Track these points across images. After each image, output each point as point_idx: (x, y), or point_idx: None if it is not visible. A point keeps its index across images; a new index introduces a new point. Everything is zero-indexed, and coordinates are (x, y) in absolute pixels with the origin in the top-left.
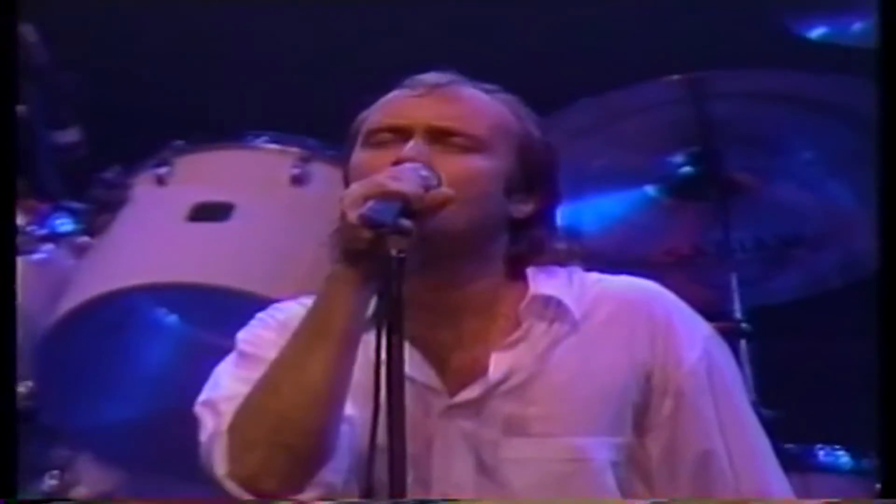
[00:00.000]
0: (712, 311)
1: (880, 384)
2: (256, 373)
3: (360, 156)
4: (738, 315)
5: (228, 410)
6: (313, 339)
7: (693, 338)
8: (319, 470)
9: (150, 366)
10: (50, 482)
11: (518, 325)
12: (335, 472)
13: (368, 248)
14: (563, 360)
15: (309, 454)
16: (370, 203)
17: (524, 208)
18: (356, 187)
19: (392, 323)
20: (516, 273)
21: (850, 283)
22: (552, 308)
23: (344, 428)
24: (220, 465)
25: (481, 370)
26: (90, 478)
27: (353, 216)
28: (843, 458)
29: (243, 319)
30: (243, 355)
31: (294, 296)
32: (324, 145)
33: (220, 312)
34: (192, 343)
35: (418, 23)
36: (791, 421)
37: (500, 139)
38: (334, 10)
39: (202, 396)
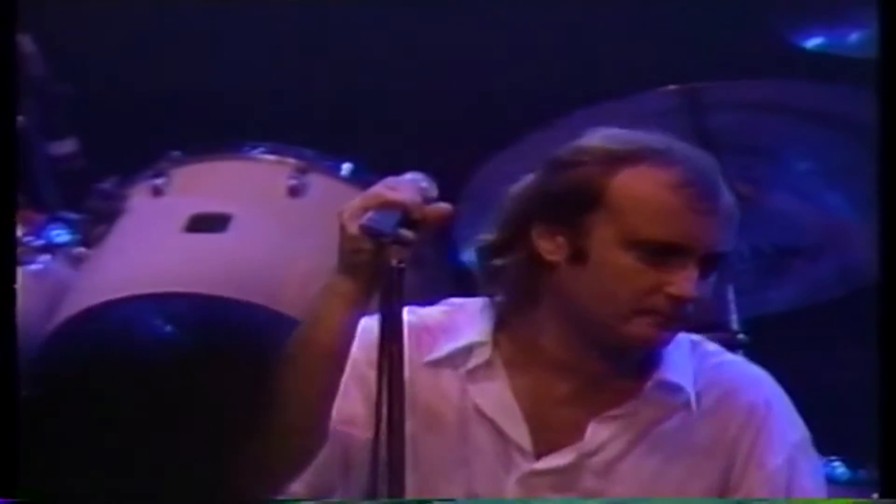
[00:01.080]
0: (709, 322)
1: (880, 392)
2: None
3: (623, 258)
4: (734, 325)
5: None
6: (299, 350)
7: (783, 440)
8: (301, 471)
9: (147, 376)
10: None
11: (630, 398)
12: (301, 482)
13: (369, 260)
14: (659, 441)
15: (294, 463)
16: (370, 214)
17: None
18: (356, 200)
19: (391, 333)
20: None
21: (847, 293)
22: (670, 391)
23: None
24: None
25: (576, 437)
26: (84, 487)
27: (353, 228)
28: (840, 469)
29: (239, 330)
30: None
31: (290, 306)
32: (321, 156)
33: (216, 323)
34: (189, 354)
35: (416, 33)
36: None
37: None
38: (333, 21)
39: None
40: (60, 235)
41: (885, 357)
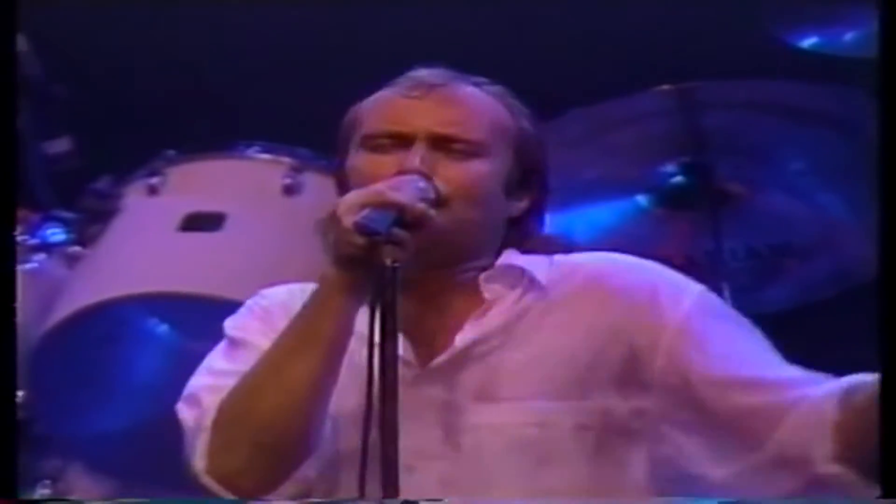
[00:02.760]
0: None
1: (879, 392)
2: (241, 362)
3: (359, 160)
4: None
5: (211, 404)
6: (300, 343)
7: (678, 297)
8: (296, 470)
9: (142, 375)
10: (42, 491)
11: (483, 294)
12: (310, 466)
13: (362, 256)
14: (532, 327)
15: (289, 456)
16: (366, 211)
17: (521, 205)
18: (354, 195)
19: (386, 330)
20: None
21: (841, 292)
22: (525, 279)
23: (327, 426)
24: (199, 460)
25: (451, 340)
26: (82, 487)
27: (347, 222)
28: None
29: None
30: (230, 344)
31: None
32: (316, 155)
33: (211, 322)
34: (184, 353)
35: (410, 31)
36: None
37: (498, 140)
38: (326, 18)
39: (184, 392)
40: (55, 234)
41: (883, 357)
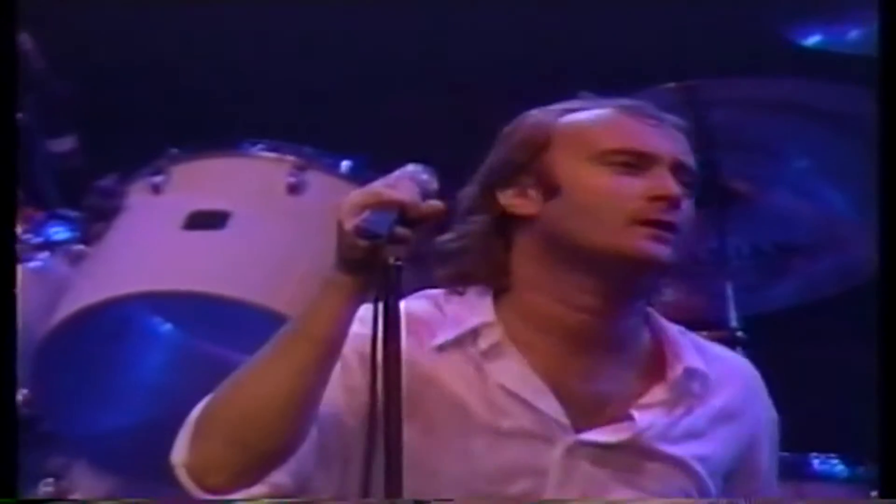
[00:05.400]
0: (708, 319)
1: (879, 390)
2: None
3: (593, 173)
4: (733, 323)
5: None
6: (289, 342)
7: (770, 413)
8: (272, 471)
9: (146, 374)
10: (45, 489)
11: (657, 381)
12: (286, 473)
13: (364, 257)
14: (690, 428)
15: (266, 455)
16: (366, 213)
17: None
18: (355, 196)
19: (390, 330)
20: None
21: (846, 291)
22: (698, 381)
23: (313, 432)
24: (177, 452)
25: (616, 415)
26: (85, 485)
27: (349, 226)
28: (838, 466)
29: (238, 327)
30: None
31: (289, 304)
32: (320, 153)
33: (215, 320)
34: (188, 351)
35: (412, 29)
36: (786, 429)
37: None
38: (331, 17)
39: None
40: (59, 233)
41: (884, 355)
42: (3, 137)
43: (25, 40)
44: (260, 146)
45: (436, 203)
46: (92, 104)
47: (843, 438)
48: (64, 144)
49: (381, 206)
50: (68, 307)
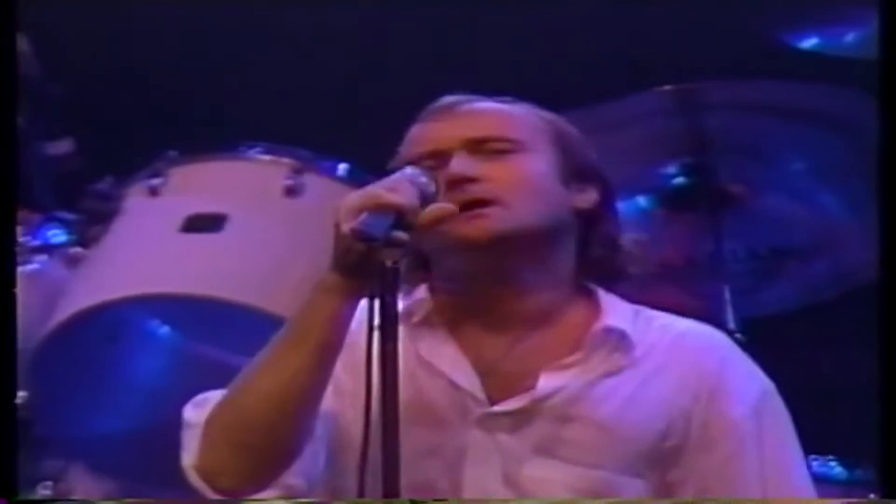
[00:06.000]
0: (704, 323)
1: (878, 392)
2: None
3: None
4: (730, 326)
5: (212, 403)
6: (290, 345)
7: (744, 393)
8: (281, 472)
9: (143, 376)
10: (43, 492)
11: (578, 348)
12: (298, 474)
13: (361, 260)
14: (611, 392)
15: (272, 457)
16: (363, 216)
17: (588, 197)
18: (353, 198)
19: (386, 332)
20: (582, 288)
21: (842, 293)
22: (615, 339)
23: (319, 432)
24: (186, 455)
25: (529, 384)
26: (83, 488)
27: (345, 228)
28: (837, 468)
29: (236, 330)
30: None
31: (287, 307)
32: (317, 156)
33: (212, 323)
34: (185, 354)
35: (412, 33)
36: None
37: (535, 135)
38: (328, 19)
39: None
40: (57, 236)
41: (883, 357)
42: (4, 138)
43: (22, 43)
44: (257, 149)
45: (438, 206)
46: (89, 107)
47: (842, 440)
48: (61, 147)
49: (379, 208)
50: (65, 310)
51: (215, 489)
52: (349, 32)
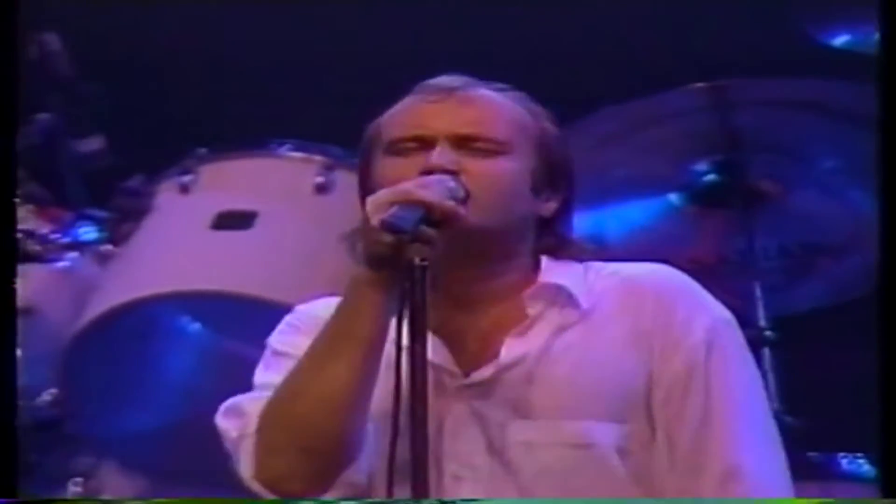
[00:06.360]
0: (736, 320)
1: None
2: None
3: (384, 164)
4: (762, 323)
5: (254, 412)
6: (338, 343)
7: (696, 321)
8: (344, 471)
9: (174, 374)
10: (74, 489)
11: (529, 311)
12: (359, 472)
13: (390, 254)
14: (570, 346)
15: (334, 457)
16: (394, 209)
17: (550, 205)
18: (384, 193)
19: (415, 330)
20: (539, 267)
21: (873, 291)
22: (563, 297)
23: (369, 427)
24: (246, 467)
25: (494, 354)
26: (114, 485)
27: (375, 221)
28: (866, 466)
29: (266, 327)
30: (273, 356)
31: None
32: (348, 153)
33: (243, 320)
34: (216, 351)
35: (440, 28)
36: (815, 429)
37: (520, 139)
38: (356, 16)
39: (224, 406)
40: (88, 233)
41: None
42: (3, 139)
43: (53, 41)
44: (287, 146)
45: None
46: (120, 105)
47: (872, 439)
48: (92, 145)
49: (408, 202)
50: (97, 307)
51: (283, 494)
52: (382, 29)
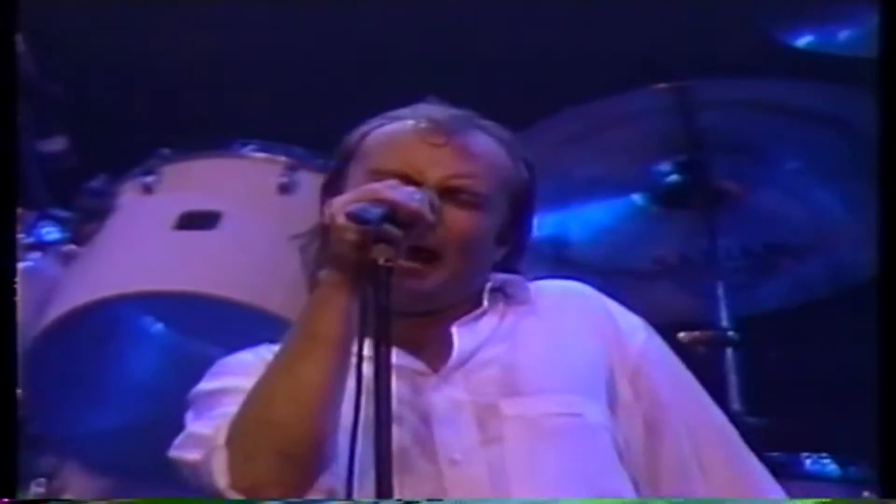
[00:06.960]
0: (699, 320)
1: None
2: (227, 405)
3: (363, 184)
4: (724, 323)
5: (215, 431)
6: (306, 344)
7: (632, 325)
8: (321, 475)
9: (137, 374)
10: (37, 489)
11: (480, 304)
12: (336, 476)
13: (355, 253)
14: (533, 332)
15: (309, 461)
16: (359, 204)
17: (503, 250)
18: (347, 194)
19: (380, 332)
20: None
21: (836, 291)
22: (509, 289)
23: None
24: (221, 478)
25: (455, 346)
26: (77, 485)
27: (340, 218)
28: (830, 466)
29: (229, 327)
30: (208, 397)
31: (281, 304)
32: (311, 154)
33: (206, 321)
34: (179, 351)
35: (405, 31)
36: (777, 429)
37: (501, 193)
38: (323, 18)
39: (176, 442)
40: (51, 233)
41: (882, 355)
42: (4, 138)
43: (17, 42)
44: (251, 146)
45: (419, 205)
46: (83, 105)
47: (835, 438)
48: (55, 145)
49: (374, 200)
50: (59, 307)
51: (262, 501)
52: (344, 29)
